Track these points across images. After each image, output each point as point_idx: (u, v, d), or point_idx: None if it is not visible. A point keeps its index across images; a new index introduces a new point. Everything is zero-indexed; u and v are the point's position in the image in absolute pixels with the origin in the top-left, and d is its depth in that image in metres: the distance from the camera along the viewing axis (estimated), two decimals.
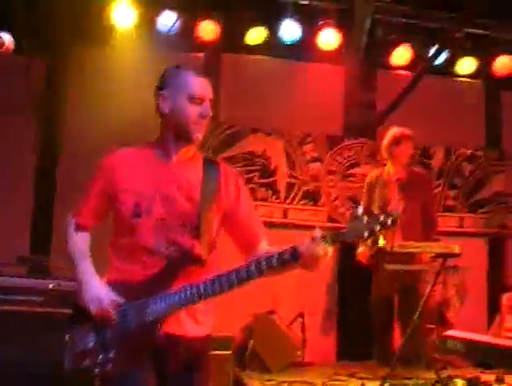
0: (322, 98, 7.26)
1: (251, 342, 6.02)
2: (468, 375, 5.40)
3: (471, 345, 3.16)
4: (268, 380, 5.50)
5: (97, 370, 2.54)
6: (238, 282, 2.51)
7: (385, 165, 6.27)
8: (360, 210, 2.46)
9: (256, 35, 6.73)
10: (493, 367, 5.15)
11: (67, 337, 2.65)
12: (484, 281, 7.59)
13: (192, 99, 2.65)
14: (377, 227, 2.43)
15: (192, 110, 2.65)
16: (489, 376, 5.31)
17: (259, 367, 5.90)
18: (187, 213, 2.65)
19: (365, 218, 2.43)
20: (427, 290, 5.88)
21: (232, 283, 2.51)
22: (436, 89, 7.45)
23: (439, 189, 7.55)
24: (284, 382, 5.41)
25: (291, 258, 2.48)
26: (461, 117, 7.56)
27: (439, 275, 5.76)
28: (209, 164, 2.79)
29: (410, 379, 5.39)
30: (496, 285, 7.52)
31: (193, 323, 2.65)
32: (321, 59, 7.13)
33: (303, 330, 6.57)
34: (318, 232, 2.46)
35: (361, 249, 6.06)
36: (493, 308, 7.21)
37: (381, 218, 2.43)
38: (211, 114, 2.67)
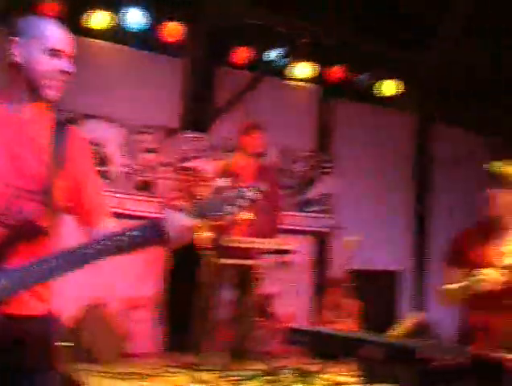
0: (161, 89, 7.23)
1: (81, 333, 5.87)
2: (296, 365, 5.68)
3: (314, 336, 3.30)
4: (100, 372, 5.38)
5: None
6: (92, 258, 2.26)
7: (234, 155, 6.33)
8: (225, 184, 2.41)
9: (100, 20, 6.54)
10: (335, 357, 5.43)
11: None
12: (308, 277, 7.95)
13: (52, 52, 2.31)
14: (244, 202, 2.34)
15: (50, 64, 2.32)
16: (315, 366, 5.60)
17: (89, 359, 5.76)
18: (37, 177, 2.32)
19: (231, 193, 2.34)
20: (258, 285, 6.09)
21: (85, 259, 2.26)
22: (273, 91, 7.69)
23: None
24: (118, 373, 5.32)
25: (154, 233, 2.31)
26: (295, 119, 7.87)
27: (270, 270, 5.98)
28: (61, 127, 2.45)
29: (241, 370, 5.54)
30: (319, 282, 7.92)
31: (36, 300, 2.32)
32: (164, 50, 7.10)
33: (132, 321, 6.51)
34: (181, 205, 2.39)
35: (205, 234, 6.01)
36: (316, 303, 7.60)
37: (247, 192, 2.34)
38: (71, 71, 2.36)
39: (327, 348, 3.54)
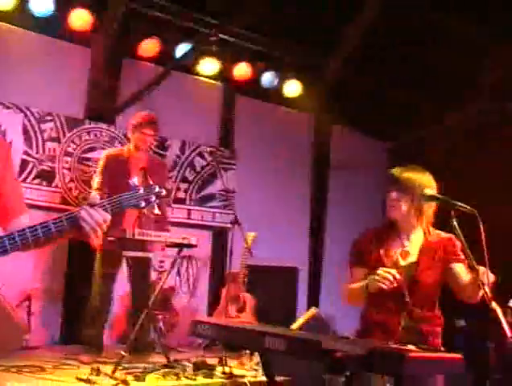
0: (67, 78, 7.13)
1: None
2: (194, 359, 5.76)
3: (220, 330, 3.39)
4: None
5: None
6: (11, 248, 2.43)
7: (125, 145, 6.35)
8: (136, 181, 2.57)
9: (4, 1, 6.37)
10: (238, 350, 5.56)
11: None
12: (207, 271, 8.06)
13: None
14: (153, 198, 2.58)
15: None
16: (216, 359, 5.71)
17: None
18: None
19: (142, 189, 2.57)
20: (159, 278, 6.13)
21: (3, 249, 2.43)
22: (180, 85, 7.74)
23: (172, 181, 7.82)
24: (14, 367, 5.20)
25: (70, 225, 2.46)
26: (199, 114, 7.96)
27: (173, 264, 6.04)
28: None
29: (140, 363, 5.57)
30: (217, 276, 8.03)
31: None
32: (71, 38, 7.00)
33: (28, 313, 6.39)
34: (96, 199, 2.48)
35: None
36: (214, 297, 7.72)
37: (157, 189, 2.60)
38: None
39: (230, 341, 3.64)
